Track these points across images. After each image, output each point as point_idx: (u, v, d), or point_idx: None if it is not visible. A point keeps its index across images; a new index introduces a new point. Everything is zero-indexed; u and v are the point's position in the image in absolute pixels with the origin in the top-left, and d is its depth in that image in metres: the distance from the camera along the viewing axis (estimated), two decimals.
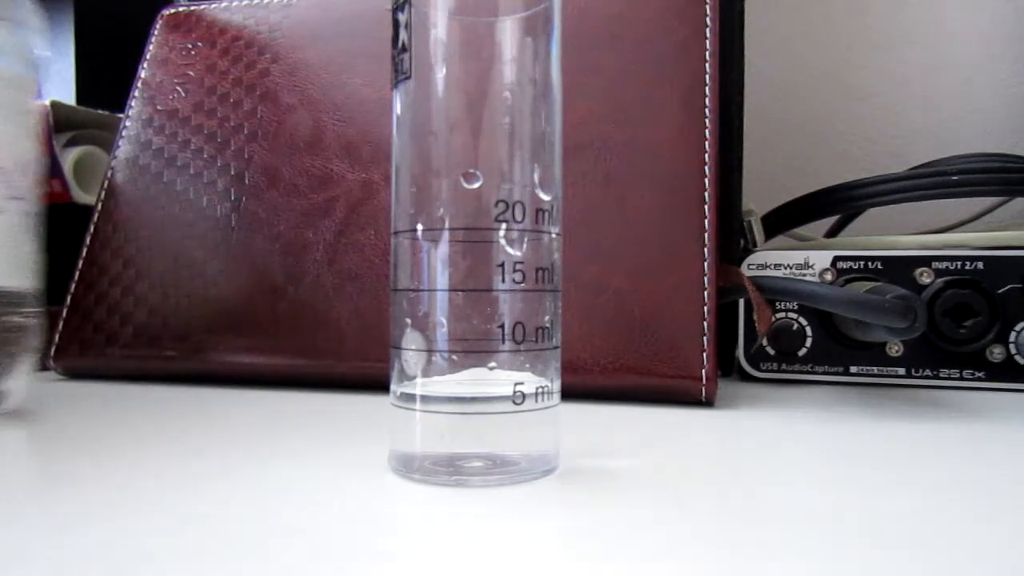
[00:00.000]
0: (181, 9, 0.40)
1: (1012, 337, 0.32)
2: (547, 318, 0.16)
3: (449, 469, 0.16)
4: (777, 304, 0.34)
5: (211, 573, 0.12)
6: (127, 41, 0.38)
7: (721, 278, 0.29)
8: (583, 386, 0.28)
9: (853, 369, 0.33)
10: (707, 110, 0.29)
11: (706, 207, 0.28)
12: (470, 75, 0.16)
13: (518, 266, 0.16)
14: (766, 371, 0.34)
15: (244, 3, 0.38)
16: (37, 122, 0.26)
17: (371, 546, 0.13)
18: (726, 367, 0.36)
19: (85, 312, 0.35)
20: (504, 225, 0.16)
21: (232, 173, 0.35)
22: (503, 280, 0.16)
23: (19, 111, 0.24)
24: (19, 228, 0.24)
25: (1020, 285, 0.32)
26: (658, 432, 0.23)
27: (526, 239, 0.16)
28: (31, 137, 0.25)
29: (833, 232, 0.48)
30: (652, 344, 0.28)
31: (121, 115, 0.39)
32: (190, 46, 0.38)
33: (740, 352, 0.35)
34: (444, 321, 0.16)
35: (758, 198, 0.41)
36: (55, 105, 0.42)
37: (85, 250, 0.36)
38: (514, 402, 0.16)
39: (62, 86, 0.52)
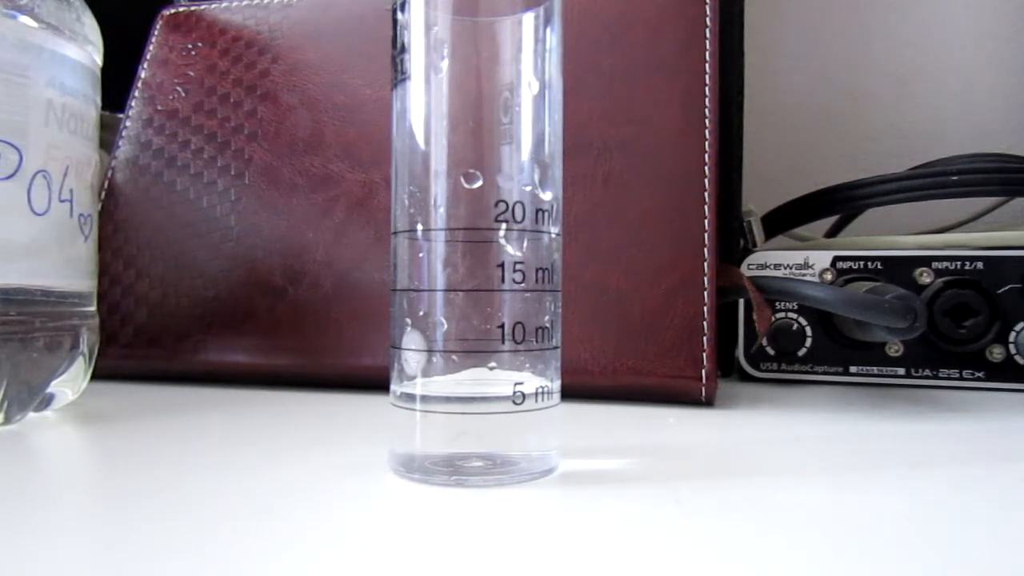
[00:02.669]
0: (181, 9, 0.40)
1: (1012, 337, 0.32)
2: (547, 318, 0.16)
3: (449, 469, 0.16)
4: (777, 304, 0.34)
5: (210, 572, 0.12)
6: (127, 41, 0.38)
7: (721, 278, 0.29)
8: (583, 386, 0.28)
9: (853, 369, 0.33)
10: (707, 110, 0.29)
11: (706, 207, 0.28)
12: (470, 75, 0.16)
13: (518, 266, 0.16)
14: (766, 371, 0.34)
15: (244, 3, 0.38)
16: (92, 128, 0.26)
17: (371, 546, 0.13)
18: (726, 367, 0.36)
19: None
20: (504, 225, 0.16)
21: (232, 173, 0.35)
22: (503, 280, 0.16)
23: (71, 115, 0.24)
24: (67, 229, 0.24)
25: (1020, 285, 0.32)
26: (658, 432, 0.23)
27: (526, 239, 0.16)
28: (83, 142, 0.25)
29: (833, 232, 0.48)
30: (652, 344, 0.28)
31: (121, 115, 0.39)
32: (190, 46, 0.38)
33: (740, 352, 0.35)
34: (444, 321, 0.16)
35: (758, 198, 0.41)
36: None
37: None
38: (514, 402, 0.16)
39: None
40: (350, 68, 0.35)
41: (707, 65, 0.30)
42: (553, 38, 0.17)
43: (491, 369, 0.16)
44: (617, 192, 0.30)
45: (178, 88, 0.38)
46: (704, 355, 0.27)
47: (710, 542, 0.13)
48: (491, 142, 0.16)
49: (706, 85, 0.30)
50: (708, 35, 0.30)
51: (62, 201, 0.24)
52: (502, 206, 0.16)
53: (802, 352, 0.34)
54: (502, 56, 0.16)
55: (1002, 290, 0.32)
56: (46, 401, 0.24)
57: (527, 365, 0.16)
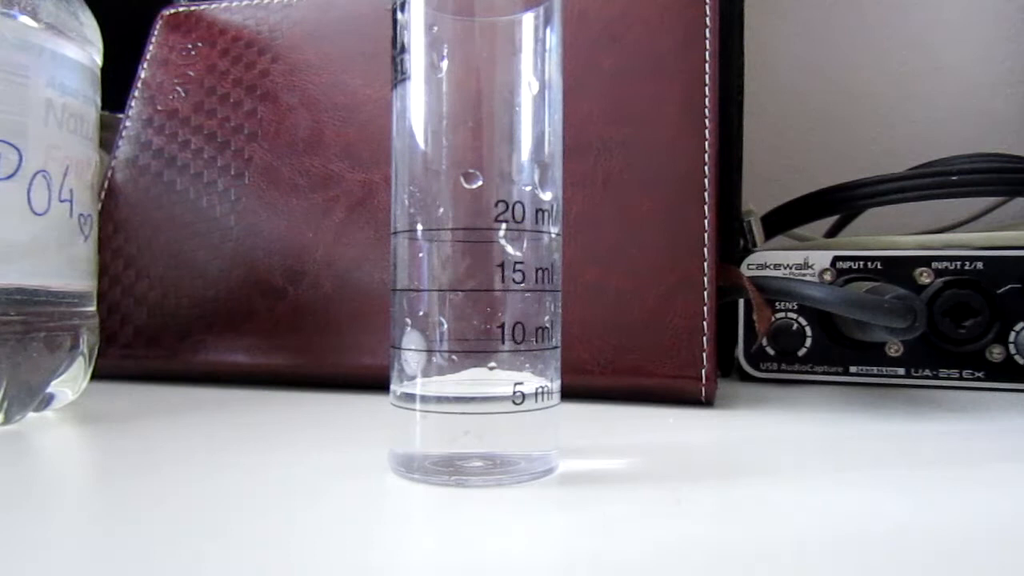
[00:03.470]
0: (181, 9, 0.40)
1: (1012, 337, 0.32)
2: (547, 318, 0.16)
3: (449, 469, 0.16)
4: (777, 304, 0.34)
5: (210, 572, 0.12)
6: (127, 41, 0.38)
7: (721, 278, 0.29)
8: (583, 386, 0.28)
9: (853, 369, 0.33)
10: (707, 110, 0.29)
11: (706, 207, 0.28)
12: (470, 75, 0.16)
13: (518, 266, 0.16)
14: (766, 371, 0.34)
15: (244, 3, 0.38)
16: (92, 128, 0.26)
17: (371, 546, 0.13)
18: (726, 367, 0.36)
19: None
20: (504, 225, 0.16)
21: (232, 173, 0.35)
22: (503, 280, 0.16)
23: (71, 115, 0.24)
24: (67, 229, 0.24)
25: (1020, 285, 0.32)
26: (658, 432, 0.23)
27: (526, 239, 0.16)
28: (83, 142, 0.25)
29: (833, 232, 0.48)
30: (652, 344, 0.28)
31: (121, 115, 0.39)
32: (190, 46, 0.38)
33: (740, 352, 0.35)
34: (444, 321, 0.16)
35: (758, 198, 0.41)
36: None
37: None
38: (514, 402, 0.16)
39: None
40: (350, 68, 0.35)
41: (707, 65, 0.30)
42: (553, 38, 0.17)
43: (491, 369, 0.16)
44: (617, 192, 0.30)
45: (178, 88, 0.38)
46: (704, 355, 0.27)
47: (710, 542, 0.13)
48: (491, 142, 0.16)
49: (706, 85, 0.30)
50: (708, 35, 0.30)
51: (62, 201, 0.24)
52: (502, 206, 0.16)
53: (802, 352, 0.34)
54: (502, 56, 0.16)
55: (1002, 290, 0.32)
56: (46, 401, 0.24)
57: (527, 365, 0.16)
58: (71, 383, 0.25)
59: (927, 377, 0.33)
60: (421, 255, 0.16)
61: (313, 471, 0.18)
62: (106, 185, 0.37)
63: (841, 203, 0.39)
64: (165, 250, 0.35)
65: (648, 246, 0.29)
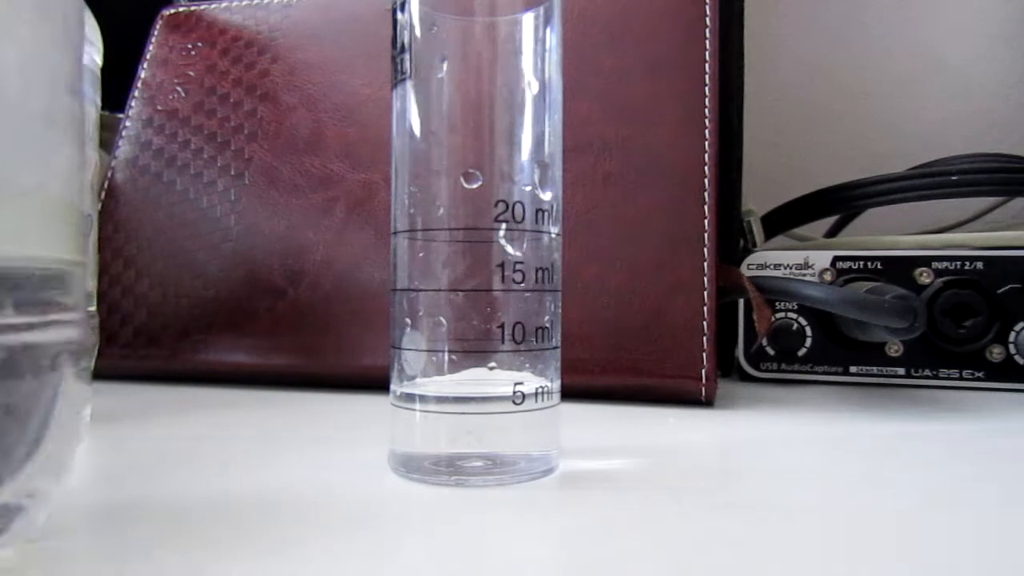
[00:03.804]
0: (181, 9, 0.40)
1: (1012, 337, 0.32)
2: (547, 318, 0.16)
3: (449, 469, 0.16)
4: (777, 304, 0.34)
5: (209, 572, 0.12)
6: (127, 41, 0.38)
7: (721, 278, 0.29)
8: (583, 386, 0.28)
9: (853, 369, 0.33)
10: (707, 110, 0.29)
11: (706, 207, 0.28)
12: (470, 75, 0.16)
13: (518, 266, 0.16)
14: (766, 371, 0.34)
15: (244, 3, 0.38)
16: (92, 128, 0.26)
17: (371, 546, 0.13)
18: (726, 367, 0.36)
19: None
20: (504, 225, 0.16)
21: (232, 173, 0.35)
22: (503, 280, 0.16)
23: (70, 118, 0.24)
24: None
25: (1020, 285, 0.32)
26: (658, 432, 0.23)
27: (526, 239, 0.16)
28: (80, 146, 0.25)
29: (833, 232, 0.48)
30: (652, 344, 0.27)
31: (121, 115, 0.39)
32: (190, 46, 0.38)
33: (740, 352, 0.35)
34: (444, 321, 0.16)
35: (758, 198, 0.41)
36: None
37: None
38: (514, 402, 0.16)
39: None
40: (350, 68, 0.35)
41: (707, 65, 0.30)
42: (553, 38, 0.17)
43: (491, 369, 0.16)
44: (617, 192, 0.30)
45: (178, 88, 0.38)
46: (704, 355, 0.27)
47: (710, 542, 0.13)
48: (491, 142, 0.16)
49: (706, 85, 0.30)
50: (708, 35, 0.30)
51: None
52: (502, 206, 0.16)
53: (802, 352, 0.34)
54: (502, 56, 0.16)
55: (1002, 290, 0.32)
56: None
57: (527, 365, 0.16)
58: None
59: (927, 377, 0.33)
60: (421, 255, 0.16)
61: (313, 471, 0.18)
62: (106, 185, 0.37)
63: (841, 203, 0.39)
64: (165, 250, 0.35)
65: (648, 245, 0.29)
